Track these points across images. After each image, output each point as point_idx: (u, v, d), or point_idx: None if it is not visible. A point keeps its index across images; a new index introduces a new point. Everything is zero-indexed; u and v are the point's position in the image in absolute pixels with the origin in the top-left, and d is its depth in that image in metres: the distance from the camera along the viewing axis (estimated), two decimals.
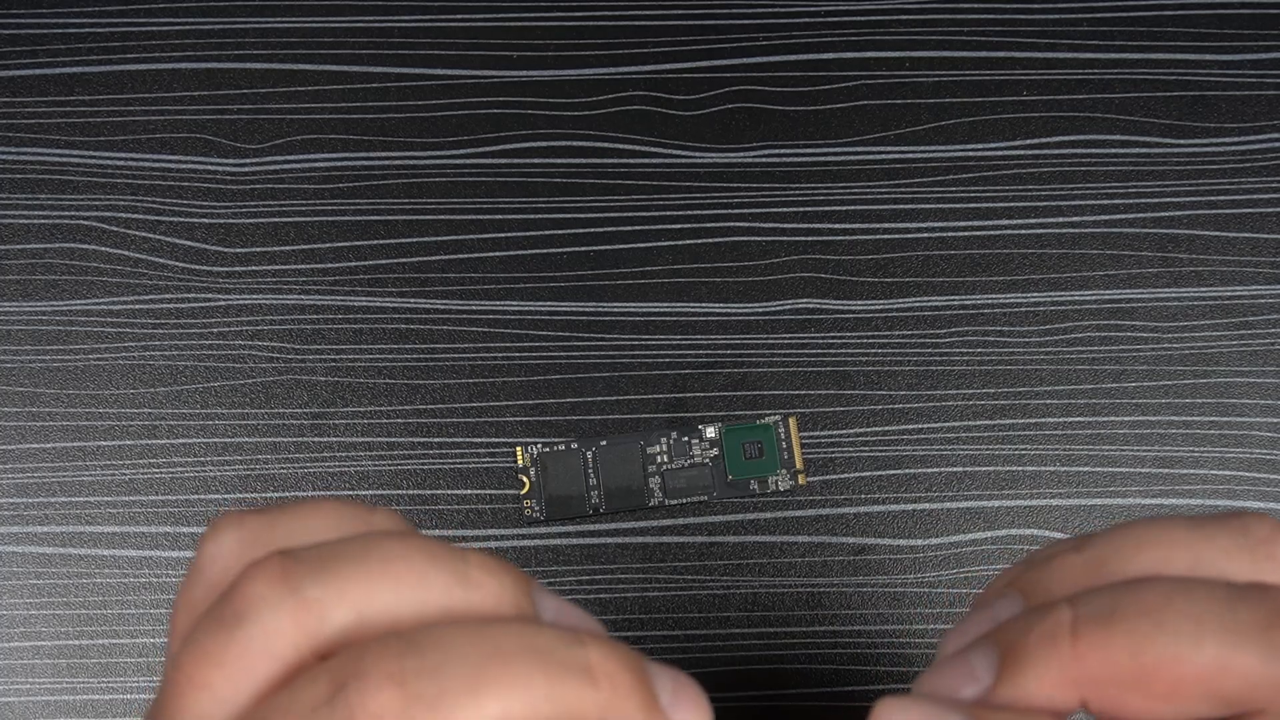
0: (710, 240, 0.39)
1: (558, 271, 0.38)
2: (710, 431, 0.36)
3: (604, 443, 0.37)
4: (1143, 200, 0.39)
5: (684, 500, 0.36)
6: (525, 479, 0.36)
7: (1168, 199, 0.39)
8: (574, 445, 0.37)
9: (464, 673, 0.17)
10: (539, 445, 0.37)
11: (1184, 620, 0.17)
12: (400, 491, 0.37)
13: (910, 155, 0.39)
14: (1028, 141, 0.40)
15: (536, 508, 0.36)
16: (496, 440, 0.37)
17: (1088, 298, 0.38)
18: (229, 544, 0.19)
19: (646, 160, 0.39)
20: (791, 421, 0.35)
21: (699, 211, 0.39)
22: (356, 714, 0.16)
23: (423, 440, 0.37)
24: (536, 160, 0.39)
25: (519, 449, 0.36)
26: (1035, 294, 0.38)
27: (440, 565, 0.18)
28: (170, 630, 0.20)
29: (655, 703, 0.18)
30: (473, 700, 0.16)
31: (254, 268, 0.38)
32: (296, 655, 0.18)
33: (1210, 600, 0.17)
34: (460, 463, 0.37)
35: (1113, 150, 0.40)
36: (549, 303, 0.38)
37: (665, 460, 0.36)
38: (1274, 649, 0.17)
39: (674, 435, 0.36)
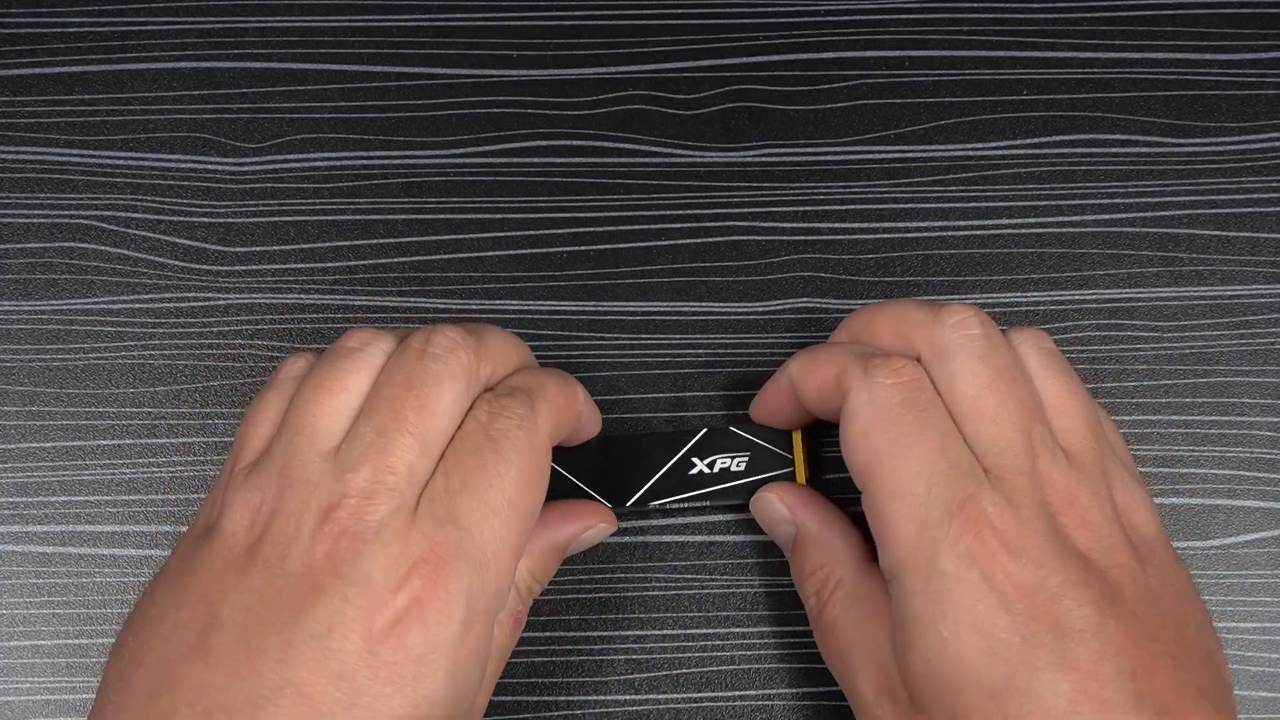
0: (710, 240, 0.39)
1: (558, 271, 0.38)
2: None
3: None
4: (1143, 200, 0.39)
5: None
6: None
7: (1168, 198, 0.39)
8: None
9: (484, 326, 0.31)
10: None
11: (824, 347, 0.32)
12: None
13: (910, 155, 0.39)
14: (1028, 141, 0.40)
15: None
16: None
17: (1087, 297, 0.38)
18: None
19: (646, 160, 0.39)
20: (797, 435, 0.35)
21: (699, 211, 0.39)
22: (444, 342, 0.28)
23: None
24: (536, 160, 0.39)
25: None
26: (1035, 293, 0.38)
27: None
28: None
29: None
30: (487, 330, 0.30)
31: (253, 267, 0.38)
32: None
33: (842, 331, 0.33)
34: None
35: (1113, 150, 0.40)
36: (549, 302, 0.38)
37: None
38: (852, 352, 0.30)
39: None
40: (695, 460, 0.34)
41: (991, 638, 0.26)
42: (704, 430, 0.35)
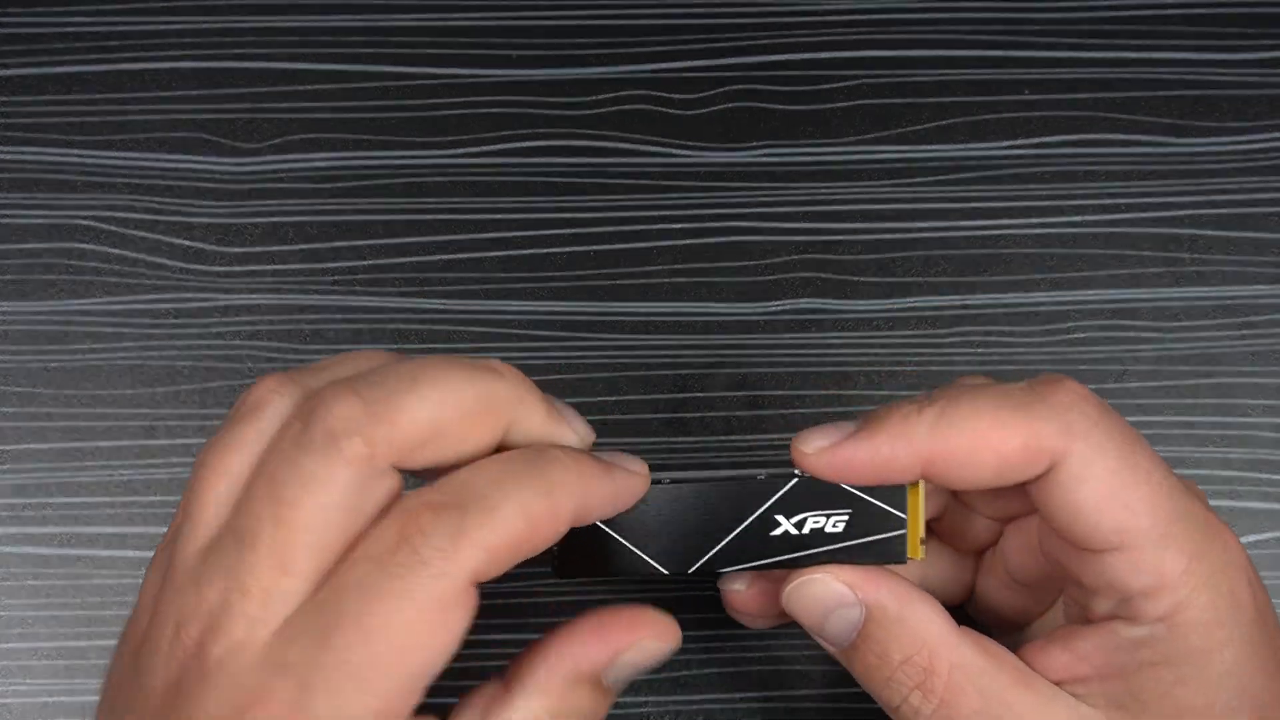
0: (710, 240, 0.39)
1: (557, 271, 0.38)
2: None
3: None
4: (1145, 200, 0.39)
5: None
6: None
7: (1170, 199, 0.39)
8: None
9: (403, 379, 0.23)
10: None
11: (989, 398, 0.25)
12: None
13: (911, 155, 0.39)
14: (1029, 141, 0.39)
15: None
16: None
17: (1089, 298, 0.38)
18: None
19: (646, 160, 0.39)
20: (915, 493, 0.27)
21: (699, 211, 0.39)
22: (328, 422, 0.22)
23: None
24: (536, 160, 0.39)
25: None
26: (1037, 294, 0.38)
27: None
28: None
29: (549, 399, 0.25)
30: (412, 390, 0.23)
31: (253, 268, 0.38)
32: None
33: (1007, 389, 0.26)
34: None
35: (1115, 150, 0.39)
36: (549, 303, 0.38)
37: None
38: (1048, 411, 0.25)
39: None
40: (780, 518, 0.27)
41: (1265, 652, 0.25)
42: (794, 480, 0.27)
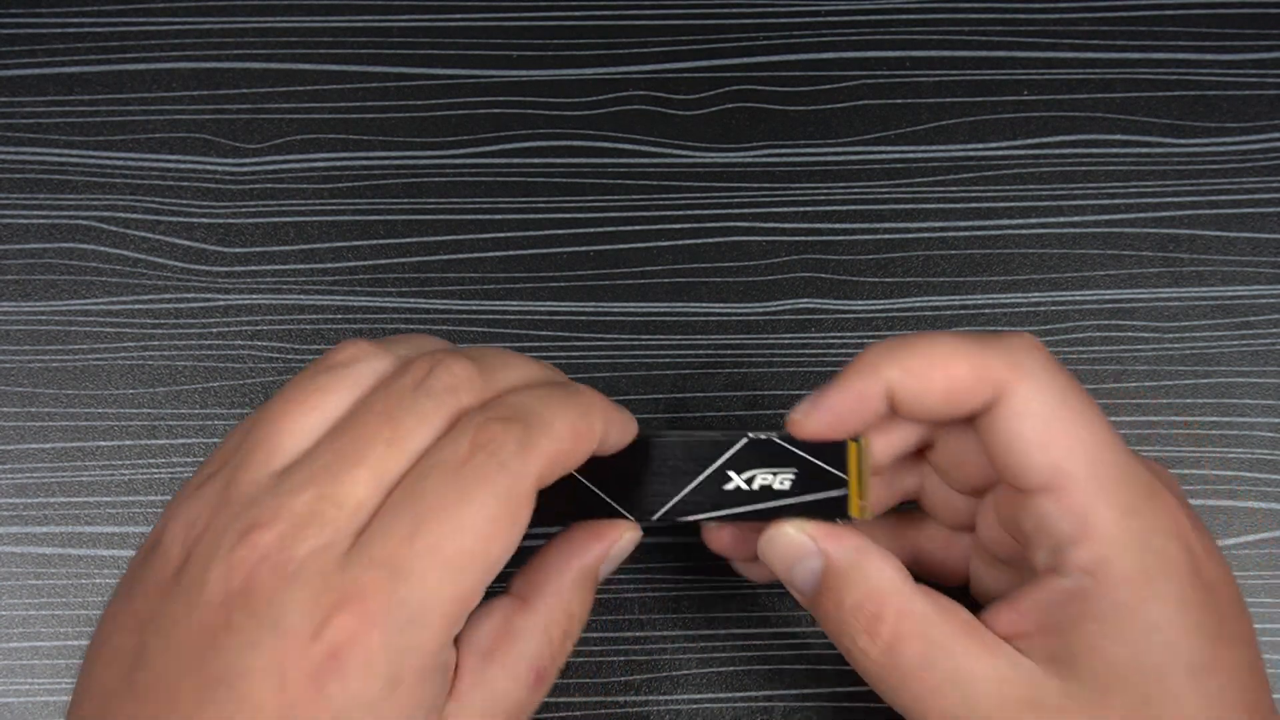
0: (710, 240, 0.39)
1: (558, 271, 0.38)
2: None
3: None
4: (1143, 200, 0.39)
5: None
6: None
7: (1169, 199, 0.39)
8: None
9: (498, 352, 0.28)
10: None
11: (948, 333, 0.28)
12: None
13: (910, 155, 0.39)
14: (1028, 141, 0.39)
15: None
16: None
17: (1088, 298, 0.38)
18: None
19: (646, 160, 0.39)
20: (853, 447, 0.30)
21: (699, 211, 0.39)
22: (446, 379, 0.25)
23: None
24: (536, 160, 0.39)
25: None
26: (1036, 294, 0.38)
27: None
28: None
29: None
30: (508, 362, 0.27)
31: (253, 268, 0.38)
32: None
33: (967, 331, 0.28)
34: None
35: (1113, 150, 0.39)
36: (549, 303, 0.38)
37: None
38: (1000, 348, 0.27)
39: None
40: (732, 474, 0.30)
41: (1199, 614, 0.26)
42: (745, 439, 0.30)
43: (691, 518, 0.30)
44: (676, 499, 0.30)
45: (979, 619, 0.27)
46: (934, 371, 0.27)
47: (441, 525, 0.23)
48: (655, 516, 0.30)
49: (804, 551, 0.29)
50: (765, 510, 0.29)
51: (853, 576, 0.28)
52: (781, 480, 0.29)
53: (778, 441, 0.29)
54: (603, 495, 0.30)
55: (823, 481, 0.29)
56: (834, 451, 0.29)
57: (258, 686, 0.22)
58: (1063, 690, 0.26)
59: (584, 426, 0.26)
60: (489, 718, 0.26)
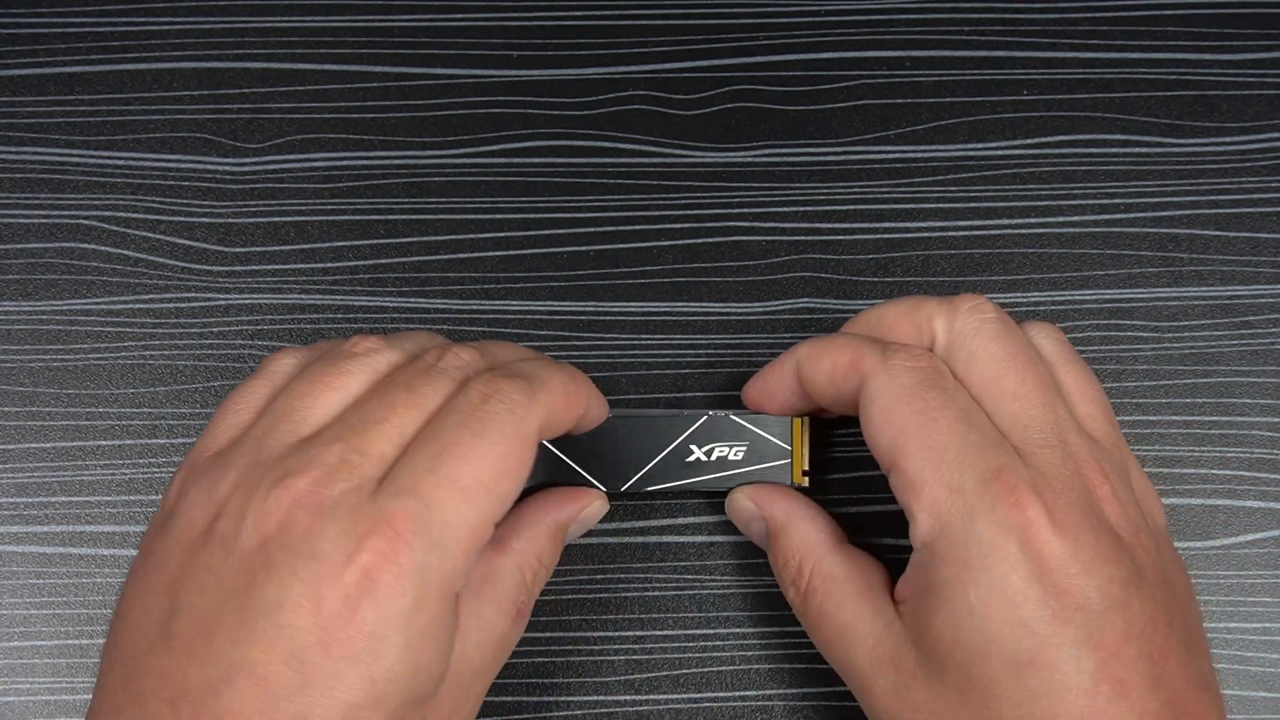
0: (710, 240, 0.39)
1: (557, 271, 0.38)
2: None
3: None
4: (1143, 200, 0.39)
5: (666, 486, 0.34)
6: None
7: (1168, 198, 0.39)
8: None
9: (500, 344, 0.32)
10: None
11: (846, 335, 0.32)
12: None
13: (910, 155, 0.39)
14: (1028, 141, 0.40)
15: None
16: None
17: (1088, 297, 0.38)
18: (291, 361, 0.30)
19: (646, 160, 0.39)
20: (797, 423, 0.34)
21: (699, 211, 0.39)
22: (453, 360, 0.28)
23: None
24: (536, 160, 0.39)
25: None
26: (1035, 293, 0.38)
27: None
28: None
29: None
30: (510, 350, 0.31)
31: (254, 267, 0.38)
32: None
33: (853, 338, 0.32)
34: None
35: (1113, 150, 0.40)
36: (549, 303, 0.38)
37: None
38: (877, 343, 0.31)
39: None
40: (693, 447, 0.34)
41: (1022, 609, 0.26)
42: (704, 417, 0.34)
43: (657, 487, 0.34)
44: (643, 471, 0.34)
45: (891, 580, 0.31)
46: (823, 358, 0.31)
47: (457, 459, 0.26)
48: (624, 487, 0.34)
49: (752, 514, 0.34)
50: (721, 479, 0.34)
51: (783, 535, 0.33)
52: (735, 452, 0.34)
53: (734, 418, 0.34)
54: (577, 468, 0.34)
55: (770, 453, 0.34)
56: (781, 426, 0.34)
57: (295, 614, 0.24)
58: (916, 659, 0.28)
59: (574, 389, 0.30)
60: (483, 646, 0.29)
